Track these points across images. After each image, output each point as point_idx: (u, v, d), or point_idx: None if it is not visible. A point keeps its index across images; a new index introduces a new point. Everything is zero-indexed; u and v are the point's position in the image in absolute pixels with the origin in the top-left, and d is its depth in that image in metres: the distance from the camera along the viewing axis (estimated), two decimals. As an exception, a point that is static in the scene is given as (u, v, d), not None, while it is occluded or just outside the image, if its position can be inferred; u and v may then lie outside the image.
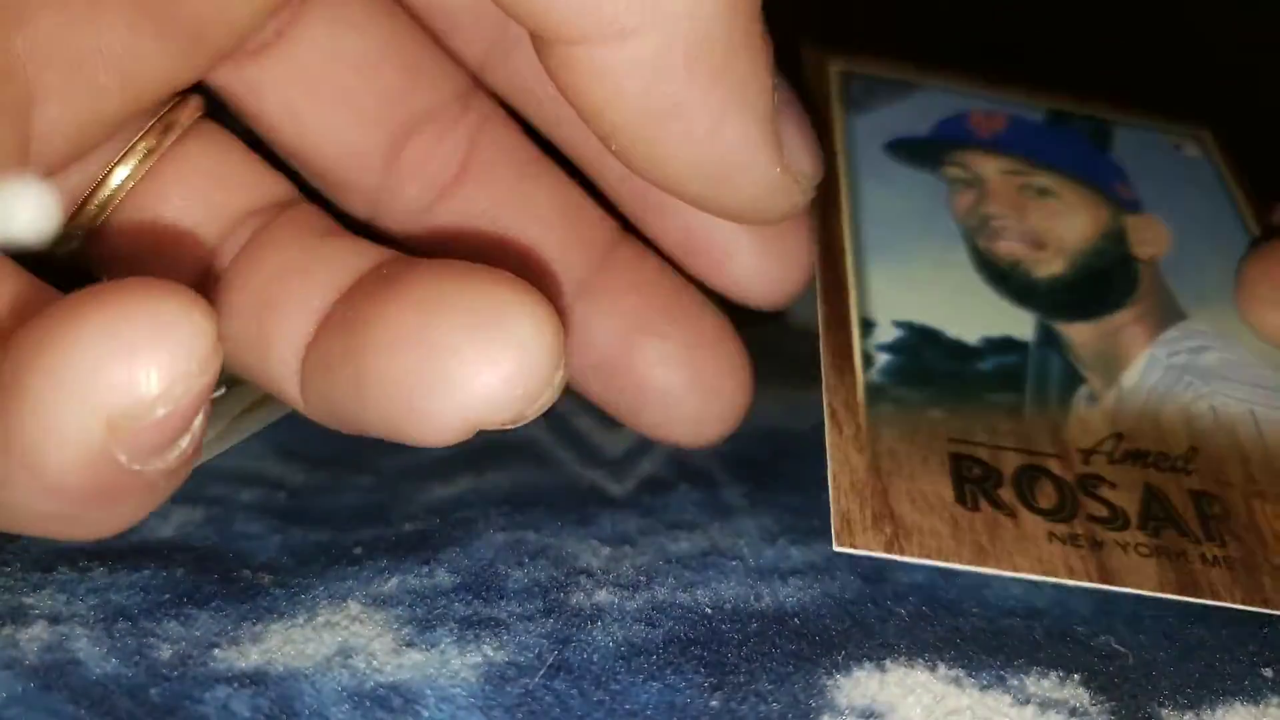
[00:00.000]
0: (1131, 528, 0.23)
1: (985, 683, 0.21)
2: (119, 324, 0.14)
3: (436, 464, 0.30)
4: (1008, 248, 0.28)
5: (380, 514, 0.26)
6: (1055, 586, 0.24)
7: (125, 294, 0.14)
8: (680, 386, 0.26)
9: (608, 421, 0.33)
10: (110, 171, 0.21)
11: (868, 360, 0.25)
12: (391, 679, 0.20)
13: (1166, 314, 0.27)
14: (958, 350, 0.25)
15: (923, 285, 0.26)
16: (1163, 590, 0.22)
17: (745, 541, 0.26)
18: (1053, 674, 0.21)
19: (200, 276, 0.22)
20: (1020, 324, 0.26)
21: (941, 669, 0.21)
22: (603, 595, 0.23)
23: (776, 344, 0.49)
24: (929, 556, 0.22)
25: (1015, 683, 0.21)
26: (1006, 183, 0.29)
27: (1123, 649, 0.22)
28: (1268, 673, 0.21)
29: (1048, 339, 0.26)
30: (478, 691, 0.19)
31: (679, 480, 0.29)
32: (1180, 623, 0.23)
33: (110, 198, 0.21)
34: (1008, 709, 0.20)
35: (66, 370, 0.14)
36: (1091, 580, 0.22)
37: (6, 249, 0.21)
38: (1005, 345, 0.26)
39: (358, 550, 0.24)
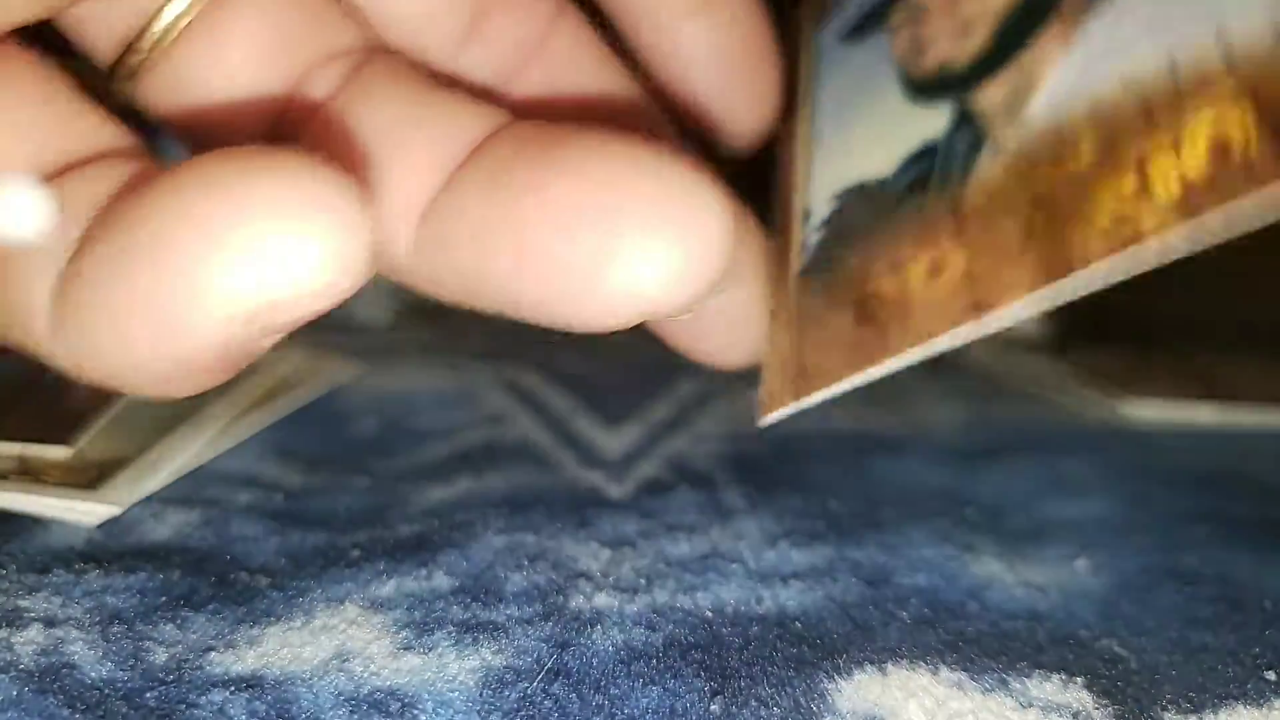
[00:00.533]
0: (1015, 242, 0.20)
1: (988, 686, 0.20)
2: (294, 203, 0.13)
3: (434, 466, 0.29)
4: (934, 54, 0.25)
5: (378, 516, 0.26)
6: (1059, 588, 0.24)
7: (297, 169, 0.14)
8: None
9: (607, 423, 0.33)
10: (163, 5, 0.19)
11: (804, 249, 0.24)
12: (389, 683, 0.19)
13: (1087, 5, 0.23)
14: (880, 189, 0.23)
15: (856, 147, 0.25)
16: (1034, 287, 0.19)
17: (746, 544, 0.25)
18: (1056, 677, 0.21)
19: (274, 121, 0.20)
20: (937, 123, 0.24)
21: (944, 672, 0.21)
22: (602, 598, 0.23)
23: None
24: (826, 386, 0.21)
25: (1018, 686, 0.20)
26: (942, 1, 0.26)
27: (1125, 653, 0.22)
28: (1271, 676, 0.21)
29: (960, 119, 0.23)
30: (476, 696, 0.19)
31: (679, 482, 0.29)
32: (1184, 627, 0.23)
33: (165, 33, 0.19)
34: (1010, 713, 0.20)
35: (233, 242, 0.13)
36: (972, 320, 0.20)
37: (12, 247, 0.21)
38: (921, 154, 0.23)
39: (355, 553, 0.24)
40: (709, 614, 0.22)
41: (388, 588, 0.22)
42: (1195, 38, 0.20)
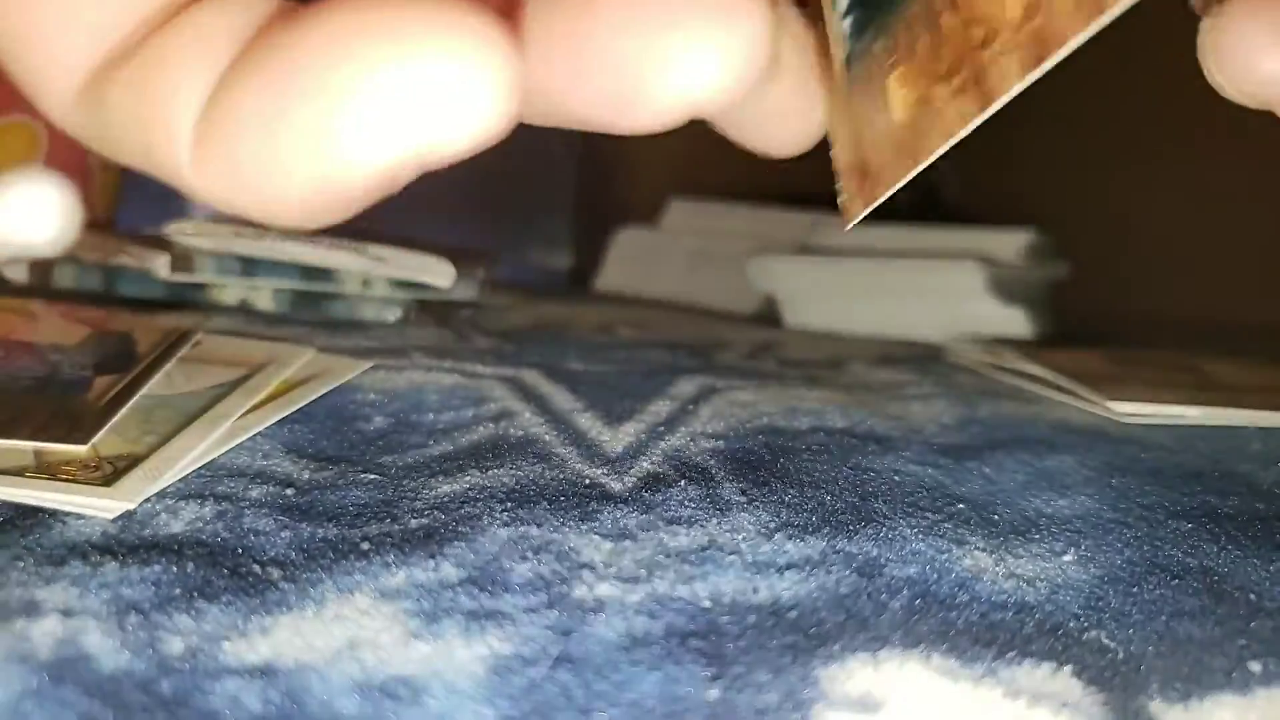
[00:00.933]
0: (1003, 33, 0.20)
1: (978, 674, 0.20)
2: (454, 39, 0.14)
3: (441, 461, 0.30)
4: None
5: (387, 510, 0.26)
6: (1047, 580, 0.24)
7: (452, 6, 0.14)
8: None
9: (608, 420, 0.33)
10: None
11: (842, 37, 0.23)
12: (399, 671, 0.19)
13: None
14: None
15: None
16: (1021, 76, 0.19)
17: (743, 536, 0.26)
18: (1044, 666, 0.21)
19: None
20: None
21: (935, 660, 0.21)
22: (604, 588, 0.23)
23: (773, 344, 0.49)
24: (888, 187, 0.21)
25: (1007, 675, 0.21)
26: None
27: (1112, 643, 0.22)
28: (1255, 666, 0.21)
29: None
30: (483, 682, 0.19)
31: (678, 477, 0.29)
32: (1170, 618, 0.23)
33: None
34: (1000, 700, 0.20)
35: (396, 79, 0.14)
36: (977, 112, 0.20)
37: (21, 253, 0.21)
38: None
39: (365, 545, 0.24)
40: (707, 603, 0.22)
41: (397, 578, 0.23)
42: None
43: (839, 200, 0.22)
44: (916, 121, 0.21)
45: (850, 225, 0.21)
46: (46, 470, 0.26)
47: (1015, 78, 0.20)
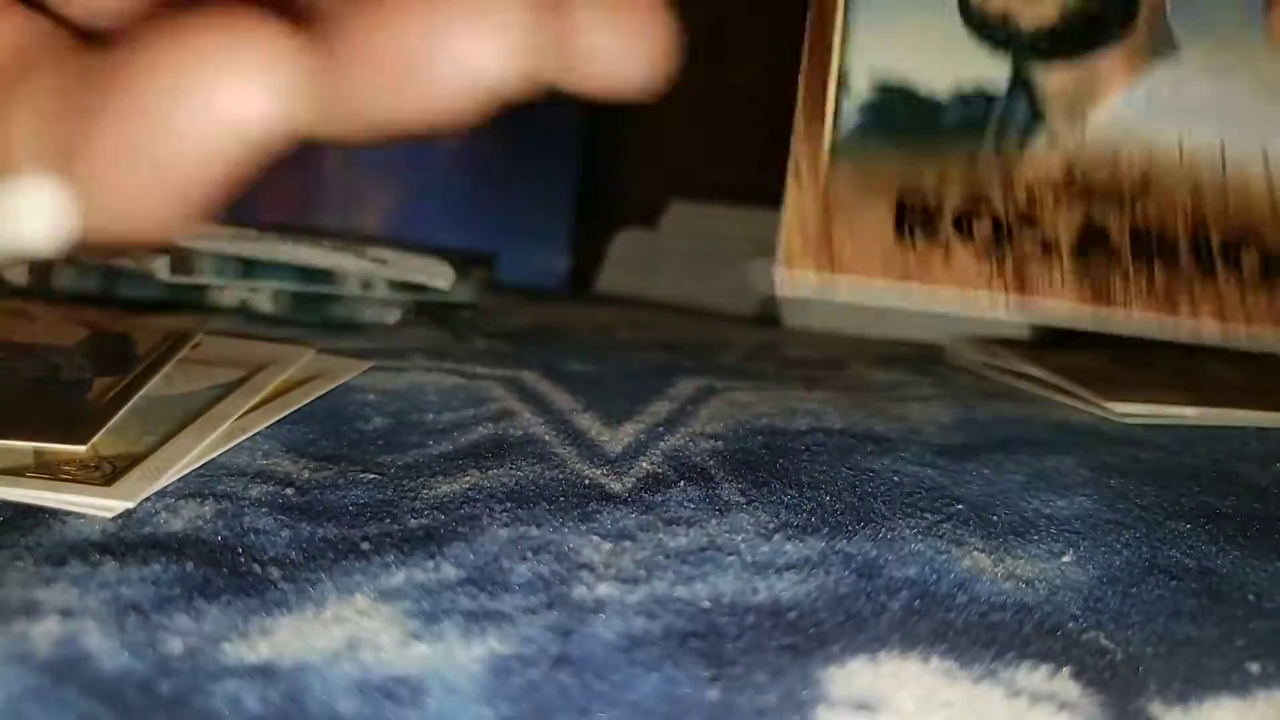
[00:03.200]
0: (1063, 259, 0.23)
1: (977, 675, 0.20)
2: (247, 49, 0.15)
3: (441, 461, 0.30)
4: (1001, 2, 0.26)
5: (387, 510, 0.26)
6: (1046, 581, 0.24)
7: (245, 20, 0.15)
8: None
9: (608, 420, 0.33)
10: None
11: (838, 116, 0.25)
12: (399, 671, 0.19)
13: (1158, 47, 0.26)
14: (927, 105, 0.25)
15: (904, 35, 0.26)
16: (1077, 299, 0.22)
17: (742, 537, 0.25)
18: (1043, 667, 0.21)
19: None
20: (994, 73, 0.25)
21: (934, 661, 0.21)
22: (604, 589, 0.23)
23: (772, 345, 0.49)
24: (855, 285, 0.23)
25: (1006, 675, 0.20)
26: None
27: (1111, 644, 0.22)
28: (1254, 668, 0.21)
29: (1019, 87, 0.25)
30: (483, 682, 0.19)
31: (678, 477, 0.29)
32: (1169, 620, 0.23)
33: None
34: (999, 701, 0.20)
35: (208, 82, 0.15)
36: (1007, 291, 0.22)
37: (17, 255, 0.21)
38: (975, 96, 0.25)
39: (365, 545, 0.24)
40: (707, 604, 0.22)
41: (397, 579, 0.23)
42: (1245, 144, 0.24)
43: (778, 255, 0.22)
44: (925, 258, 0.22)
45: (785, 279, 0.22)
46: (46, 470, 0.26)
47: (1063, 298, 0.21)
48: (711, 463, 0.30)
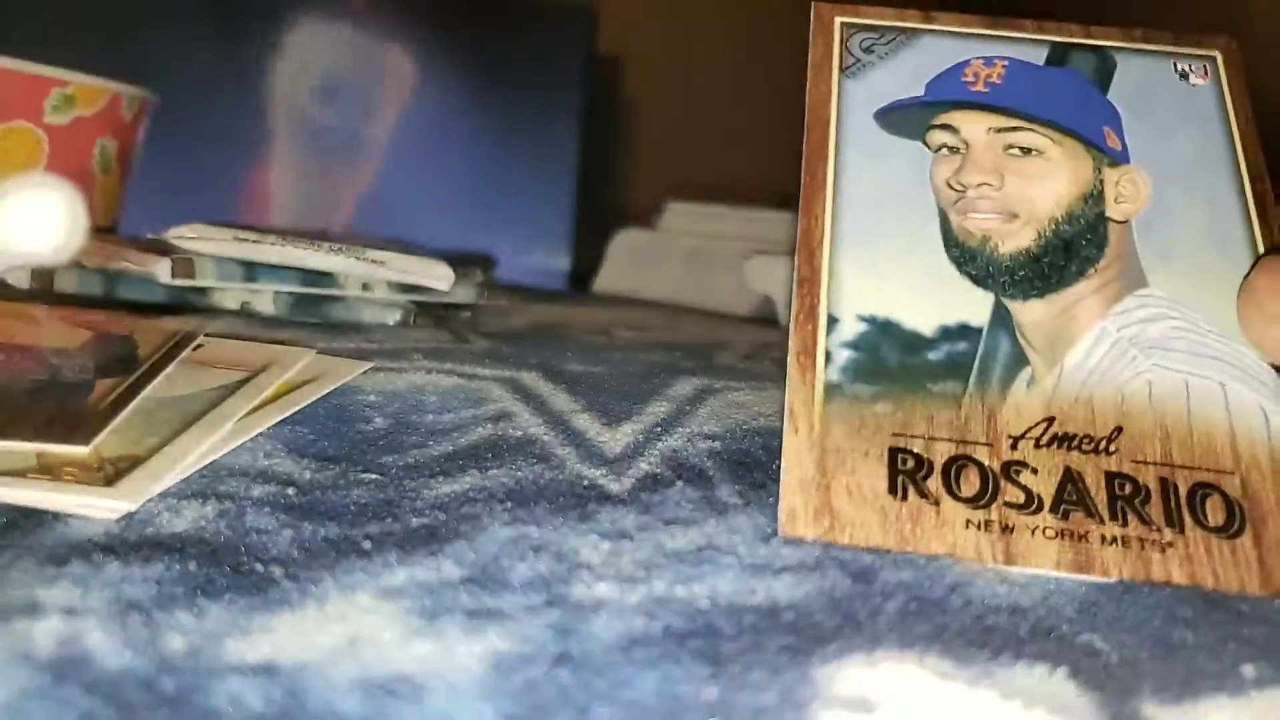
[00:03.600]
0: (1044, 511, 0.25)
1: (972, 676, 0.21)
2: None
3: (441, 462, 0.30)
4: (979, 223, 0.28)
5: (388, 509, 0.26)
6: (1040, 585, 0.24)
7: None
8: None
9: (607, 420, 0.33)
10: None
11: (829, 357, 0.26)
12: (400, 669, 0.19)
13: (1127, 281, 0.28)
14: (913, 342, 0.27)
15: (889, 273, 0.27)
16: (1059, 569, 0.24)
17: (740, 538, 0.26)
18: (1039, 669, 0.21)
19: None
20: (977, 308, 0.27)
21: (930, 662, 0.21)
22: (603, 588, 0.23)
23: (770, 345, 0.49)
24: (858, 543, 0.24)
25: (1002, 677, 0.21)
26: (992, 144, 0.29)
27: (1106, 646, 0.22)
28: (1249, 670, 0.21)
29: (1001, 321, 0.27)
30: (483, 681, 0.19)
31: (676, 479, 0.29)
32: (1164, 623, 0.23)
33: None
34: (996, 702, 0.20)
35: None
36: (997, 561, 0.24)
37: (28, 262, 0.21)
38: (959, 333, 0.27)
39: (366, 544, 0.24)
40: (705, 604, 0.22)
41: (398, 577, 0.23)
42: (1207, 383, 0.26)
43: (780, 510, 0.25)
44: (917, 515, 0.23)
45: (792, 536, 0.24)
46: (48, 472, 0.26)
47: (1046, 564, 0.24)
48: (710, 463, 0.30)
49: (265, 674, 0.19)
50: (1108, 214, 0.29)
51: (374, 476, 0.28)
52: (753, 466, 0.30)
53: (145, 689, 0.18)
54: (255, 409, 0.31)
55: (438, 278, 0.47)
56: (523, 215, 0.93)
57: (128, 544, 0.23)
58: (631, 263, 0.81)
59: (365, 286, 0.47)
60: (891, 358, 0.26)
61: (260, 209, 0.89)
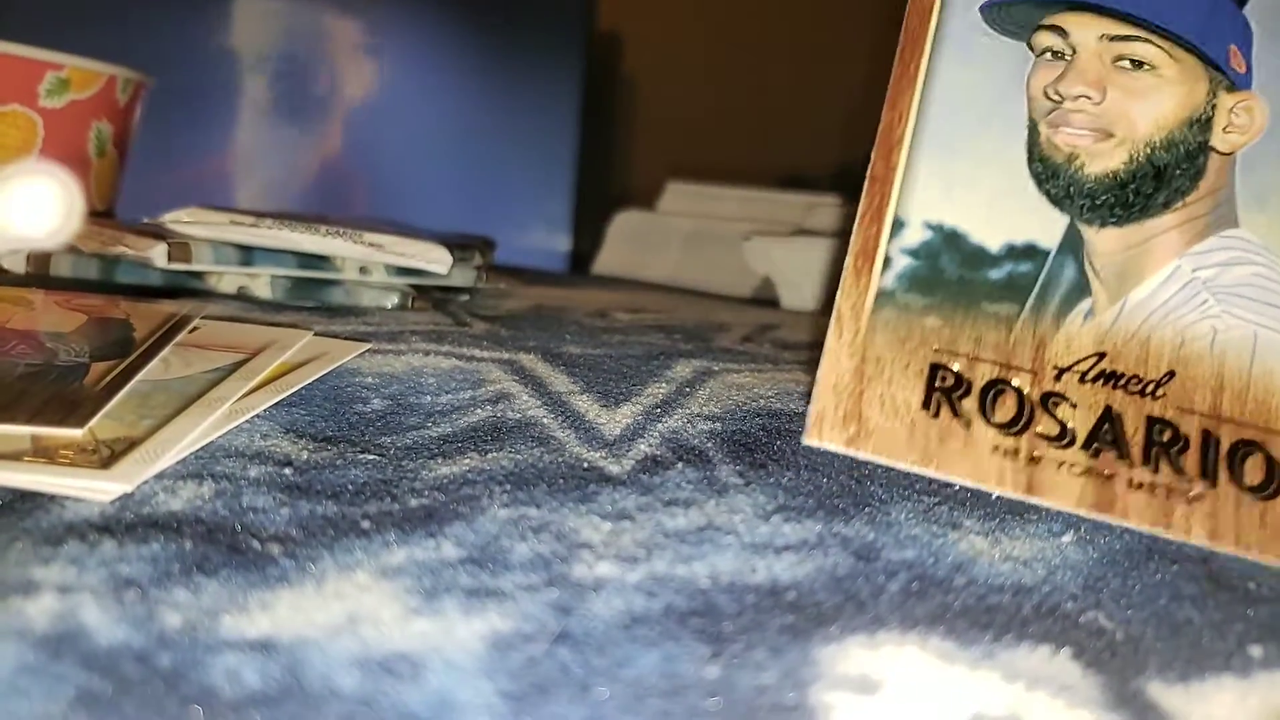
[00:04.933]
0: (1075, 446, 0.24)
1: (975, 657, 0.20)
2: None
3: (440, 442, 0.29)
4: (1069, 138, 0.27)
5: (386, 489, 0.26)
6: (1044, 563, 0.24)
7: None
8: None
9: (606, 402, 0.33)
10: None
11: (887, 263, 0.25)
12: (399, 647, 0.19)
13: (1216, 219, 0.26)
14: (976, 256, 0.25)
15: (965, 182, 0.26)
16: (1079, 506, 0.23)
17: (740, 518, 0.25)
18: (1042, 649, 0.21)
19: None
20: (1049, 228, 0.26)
21: (932, 643, 0.21)
22: (604, 568, 0.23)
23: (770, 327, 0.49)
24: (880, 454, 0.23)
25: (1005, 657, 0.20)
26: (1100, 53, 0.27)
27: (1111, 625, 0.22)
28: (1255, 651, 0.21)
29: (1070, 245, 0.25)
30: (483, 659, 0.19)
31: (676, 459, 0.29)
32: (1169, 602, 0.23)
33: None
34: (998, 683, 0.20)
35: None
36: (1016, 491, 0.23)
37: (24, 245, 0.21)
38: (1025, 252, 0.25)
39: (365, 524, 0.24)
40: (706, 583, 0.22)
41: (398, 556, 0.22)
42: (1276, 336, 0.25)
43: (809, 411, 0.23)
44: (946, 434, 0.22)
45: (811, 441, 0.22)
46: (44, 455, 0.25)
47: (1066, 500, 0.22)
48: (709, 444, 0.30)
49: (263, 650, 0.19)
50: (1212, 143, 0.27)
51: (372, 457, 0.28)
52: (753, 447, 0.30)
53: (141, 664, 0.18)
54: (252, 390, 0.31)
55: (436, 261, 0.47)
56: (522, 196, 0.92)
57: (124, 524, 0.23)
58: (631, 244, 0.81)
59: (363, 270, 0.47)
60: (951, 270, 0.25)
61: (255, 194, 0.88)
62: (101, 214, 0.59)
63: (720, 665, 0.19)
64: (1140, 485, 0.23)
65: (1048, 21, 0.28)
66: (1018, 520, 0.26)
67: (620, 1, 0.98)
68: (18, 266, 0.46)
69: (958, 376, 0.24)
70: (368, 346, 0.37)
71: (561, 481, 0.27)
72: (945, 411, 0.24)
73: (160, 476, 0.25)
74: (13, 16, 0.77)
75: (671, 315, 0.51)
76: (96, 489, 0.24)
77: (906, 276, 0.25)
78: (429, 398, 0.33)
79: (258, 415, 0.30)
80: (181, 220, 0.47)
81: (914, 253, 0.25)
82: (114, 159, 0.60)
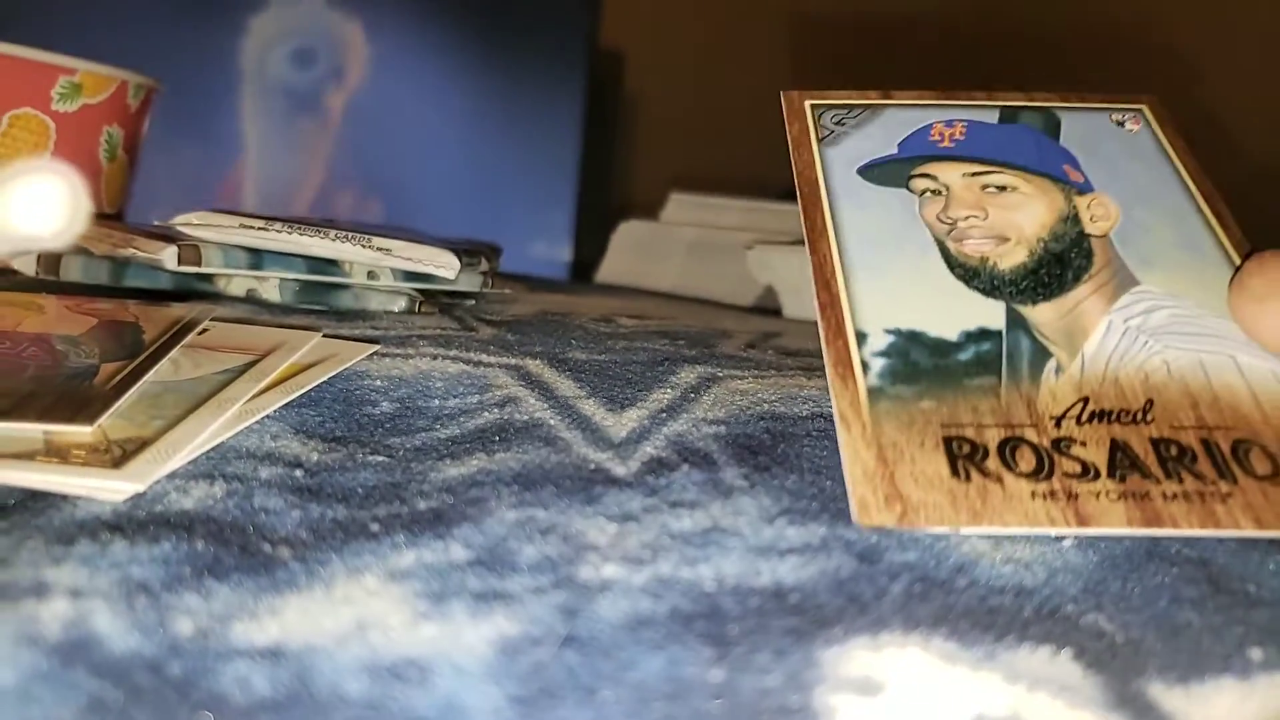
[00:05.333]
0: (1102, 478, 0.25)
1: (977, 658, 0.20)
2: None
3: (448, 445, 0.29)
4: (974, 246, 0.30)
5: (395, 492, 0.26)
6: (1045, 565, 0.24)
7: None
8: None
9: (612, 406, 0.33)
10: None
11: (865, 367, 0.27)
12: (407, 652, 0.19)
13: (1121, 282, 0.30)
14: (940, 347, 0.28)
15: (904, 294, 0.29)
16: (1131, 526, 0.24)
17: (745, 520, 0.25)
18: (1043, 650, 0.21)
19: None
20: (992, 314, 0.29)
21: (935, 644, 0.21)
22: (610, 570, 0.23)
23: (772, 335, 0.49)
24: (936, 524, 0.24)
25: (1007, 658, 0.20)
26: (969, 185, 0.32)
27: (1111, 627, 0.22)
28: (1255, 654, 0.21)
29: (1016, 323, 0.28)
30: (490, 663, 0.19)
31: (681, 461, 0.29)
32: (1169, 605, 0.23)
33: None
34: (1000, 684, 0.20)
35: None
36: (1071, 526, 0.24)
37: (31, 245, 0.21)
38: (980, 335, 0.28)
39: (374, 526, 0.24)
40: (711, 585, 0.22)
41: (406, 559, 0.22)
42: (1217, 357, 0.28)
43: (851, 502, 0.25)
44: (984, 494, 0.24)
45: (868, 526, 0.24)
46: (57, 454, 0.26)
47: (1118, 523, 0.24)
48: (714, 447, 0.30)
49: (272, 657, 0.19)
50: (1088, 231, 0.31)
51: (381, 459, 0.28)
52: (757, 450, 0.30)
53: (153, 672, 0.18)
54: (262, 391, 0.31)
55: (443, 266, 0.47)
56: (526, 206, 0.92)
57: (135, 523, 0.23)
58: (634, 254, 0.81)
59: (371, 274, 0.47)
60: (924, 361, 0.27)
61: (264, 202, 0.89)
62: (111, 217, 0.59)
63: (725, 668, 0.19)
64: (1175, 496, 0.25)
65: (916, 172, 0.33)
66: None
67: (623, 15, 0.98)
68: (28, 268, 0.46)
69: (971, 443, 0.26)
70: (376, 348, 0.37)
71: (568, 483, 0.27)
72: (975, 474, 0.25)
73: (172, 476, 0.26)
74: (23, 20, 0.77)
75: (675, 322, 0.51)
76: (109, 488, 0.24)
77: (888, 374, 0.27)
78: (437, 401, 0.33)
79: (269, 416, 0.30)
80: (191, 224, 0.47)
81: (885, 354, 0.28)
82: (124, 163, 0.60)
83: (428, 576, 0.22)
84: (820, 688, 0.19)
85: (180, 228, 0.47)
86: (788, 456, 0.30)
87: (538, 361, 0.38)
